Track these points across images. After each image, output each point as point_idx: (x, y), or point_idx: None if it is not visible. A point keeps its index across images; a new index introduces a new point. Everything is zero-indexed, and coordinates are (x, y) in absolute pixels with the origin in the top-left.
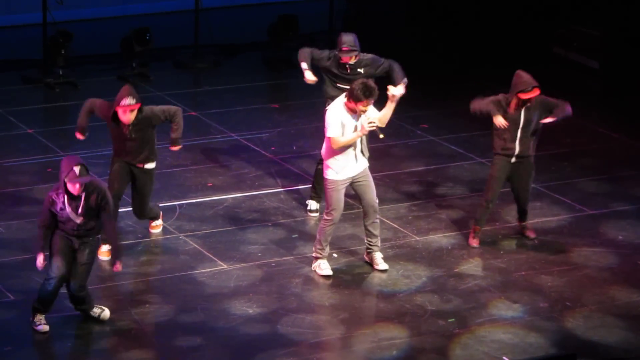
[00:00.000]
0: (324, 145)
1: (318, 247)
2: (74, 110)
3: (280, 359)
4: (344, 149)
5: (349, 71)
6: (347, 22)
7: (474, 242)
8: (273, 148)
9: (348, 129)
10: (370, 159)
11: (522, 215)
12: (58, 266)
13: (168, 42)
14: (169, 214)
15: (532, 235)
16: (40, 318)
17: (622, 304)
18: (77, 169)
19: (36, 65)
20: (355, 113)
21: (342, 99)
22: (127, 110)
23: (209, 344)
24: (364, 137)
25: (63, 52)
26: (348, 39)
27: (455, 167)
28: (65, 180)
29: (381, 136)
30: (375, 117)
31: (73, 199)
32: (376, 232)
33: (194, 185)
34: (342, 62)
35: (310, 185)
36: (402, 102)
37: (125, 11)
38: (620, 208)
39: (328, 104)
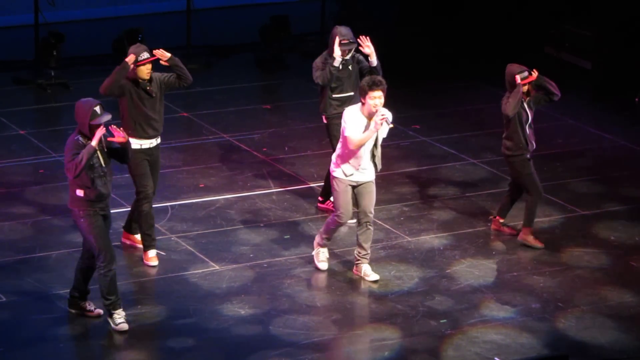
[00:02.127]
0: (339, 145)
1: (324, 236)
2: (66, 111)
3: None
4: (359, 152)
5: (341, 68)
6: (338, 23)
7: (539, 243)
8: (265, 149)
9: (362, 130)
10: None
11: (507, 211)
12: (111, 252)
13: (160, 43)
14: (161, 215)
15: (512, 232)
16: (119, 315)
17: (614, 305)
18: (98, 109)
19: (28, 66)
20: (369, 117)
21: (358, 104)
22: (147, 62)
23: (201, 345)
24: (379, 147)
25: (55, 53)
26: (347, 32)
27: (447, 168)
28: (91, 122)
29: (391, 125)
30: (387, 112)
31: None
32: (366, 244)
33: (185, 187)
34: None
35: (301, 186)
36: (394, 103)
37: (117, 12)
38: (612, 208)
39: (327, 121)
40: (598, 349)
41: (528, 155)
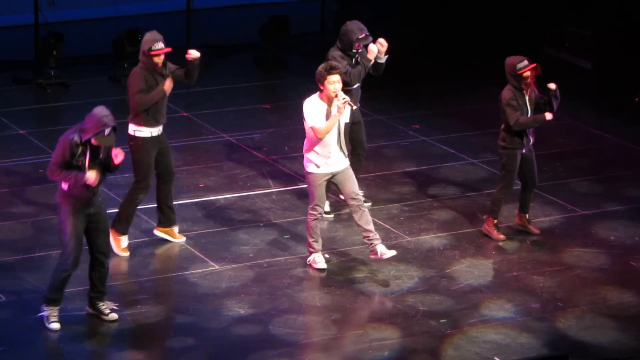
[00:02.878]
0: (305, 140)
1: (311, 240)
2: (65, 111)
3: (272, 359)
4: (325, 140)
5: (353, 62)
6: (338, 23)
7: (501, 236)
8: (265, 149)
9: (324, 117)
10: (362, 160)
11: (527, 206)
12: (76, 249)
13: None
14: None
15: (536, 230)
16: (55, 315)
17: (614, 304)
18: (107, 131)
19: (28, 66)
20: (329, 103)
21: (316, 94)
22: (162, 53)
23: (200, 345)
24: (342, 133)
25: (55, 53)
26: (362, 25)
27: (446, 168)
28: (94, 138)
29: (354, 107)
30: (346, 95)
31: (94, 151)
32: (368, 226)
33: (185, 186)
34: (352, 51)
35: (301, 186)
36: (394, 102)
37: (117, 12)
38: (612, 208)
39: None
40: (598, 349)
41: (524, 150)
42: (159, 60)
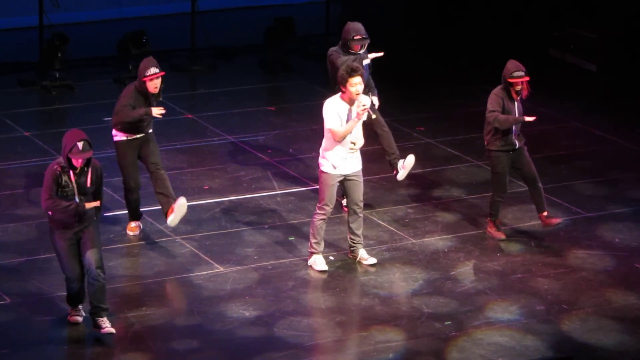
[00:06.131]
0: (324, 139)
1: (313, 241)
2: (70, 113)
3: None
4: (345, 141)
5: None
6: (342, 25)
7: (501, 235)
8: (269, 151)
9: (345, 120)
10: (366, 162)
11: (540, 204)
12: (72, 268)
13: (164, 45)
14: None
15: (556, 221)
16: (76, 311)
17: (619, 307)
18: (80, 145)
19: (33, 68)
20: (351, 104)
21: (338, 94)
22: (154, 78)
23: (205, 347)
24: (360, 130)
25: (59, 55)
26: (359, 27)
27: (451, 170)
28: (69, 155)
29: (373, 116)
30: (367, 101)
31: (78, 175)
32: (359, 231)
33: (190, 188)
34: (351, 51)
35: (305, 188)
36: (399, 104)
37: (122, 14)
38: (617, 210)
39: None
40: (602, 351)
41: (510, 152)
42: (152, 84)
